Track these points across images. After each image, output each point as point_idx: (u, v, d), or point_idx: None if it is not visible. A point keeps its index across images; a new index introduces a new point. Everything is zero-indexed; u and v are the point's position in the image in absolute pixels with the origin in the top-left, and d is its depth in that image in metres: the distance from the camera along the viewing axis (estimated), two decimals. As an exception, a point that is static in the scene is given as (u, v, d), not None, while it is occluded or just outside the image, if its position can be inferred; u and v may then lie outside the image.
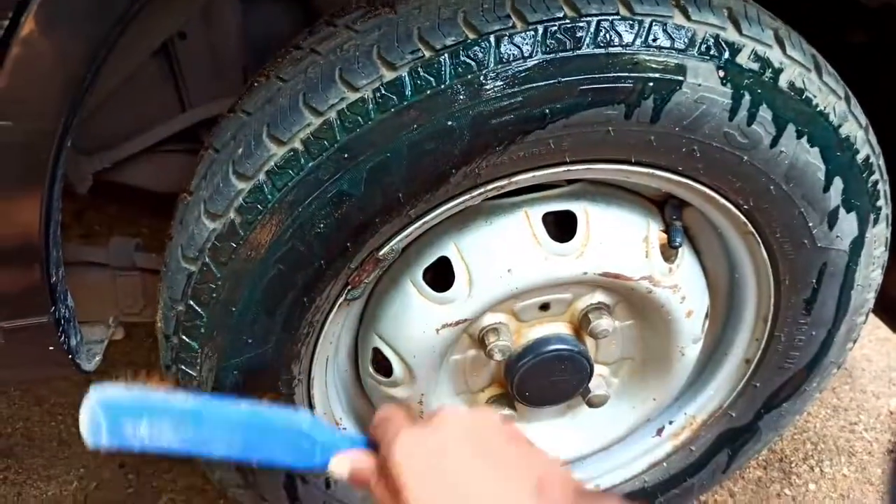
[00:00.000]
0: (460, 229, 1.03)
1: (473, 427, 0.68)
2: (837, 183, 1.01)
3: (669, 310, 1.12)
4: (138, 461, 1.64)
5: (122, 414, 0.72)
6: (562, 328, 1.14)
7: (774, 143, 0.94)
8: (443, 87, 0.83)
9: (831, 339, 1.20)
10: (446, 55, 0.83)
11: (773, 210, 1.02)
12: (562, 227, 1.05)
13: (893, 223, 1.12)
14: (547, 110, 0.86)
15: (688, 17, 0.88)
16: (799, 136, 0.95)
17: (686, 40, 0.87)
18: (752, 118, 0.92)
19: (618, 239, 1.05)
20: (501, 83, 0.83)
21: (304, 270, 0.92)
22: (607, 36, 0.84)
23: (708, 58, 0.88)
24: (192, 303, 0.94)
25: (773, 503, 1.67)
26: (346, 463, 0.72)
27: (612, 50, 0.85)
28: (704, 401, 1.32)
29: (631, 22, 0.85)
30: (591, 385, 1.19)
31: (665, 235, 1.08)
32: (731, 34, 0.89)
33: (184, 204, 0.96)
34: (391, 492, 0.65)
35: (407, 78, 0.83)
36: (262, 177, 0.87)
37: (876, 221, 1.08)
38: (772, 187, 0.99)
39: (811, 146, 0.96)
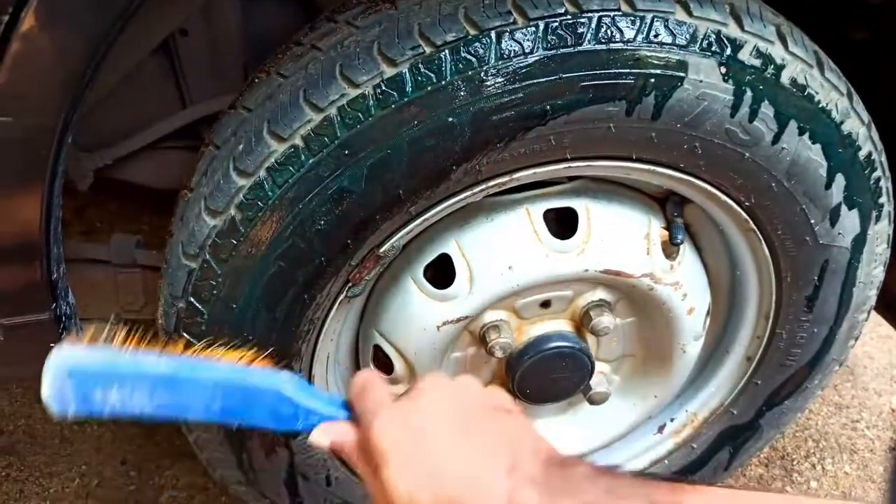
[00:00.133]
0: (461, 226, 1.03)
1: (454, 400, 0.69)
2: (839, 180, 1.00)
3: (671, 307, 1.11)
4: (140, 458, 1.64)
5: (90, 380, 0.65)
6: (563, 325, 1.14)
7: (776, 139, 0.94)
8: (443, 83, 0.83)
9: (833, 336, 1.20)
10: (447, 51, 0.83)
11: (775, 207, 1.01)
12: (563, 224, 1.05)
13: (896, 220, 1.12)
14: (548, 107, 0.86)
15: (689, 13, 0.87)
16: (801, 133, 0.95)
17: (688, 36, 0.87)
18: (753, 115, 0.91)
19: (619, 236, 1.05)
20: (502, 79, 0.83)
21: (304, 267, 0.92)
22: (608, 32, 0.84)
23: (710, 54, 0.88)
24: (192, 300, 0.94)
25: (774, 501, 1.67)
26: (326, 435, 0.72)
27: (613, 46, 0.85)
28: (706, 398, 1.32)
29: (632, 18, 0.85)
30: (592, 382, 1.19)
31: (666, 232, 1.08)
32: (732, 30, 0.89)
33: (184, 201, 0.96)
34: (371, 467, 0.66)
35: (407, 74, 0.83)
36: (262, 173, 0.87)
37: (878, 218, 1.08)
38: (773, 184, 0.98)
39: (813, 143, 0.96)
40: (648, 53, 0.86)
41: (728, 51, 0.88)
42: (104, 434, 1.69)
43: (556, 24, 0.83)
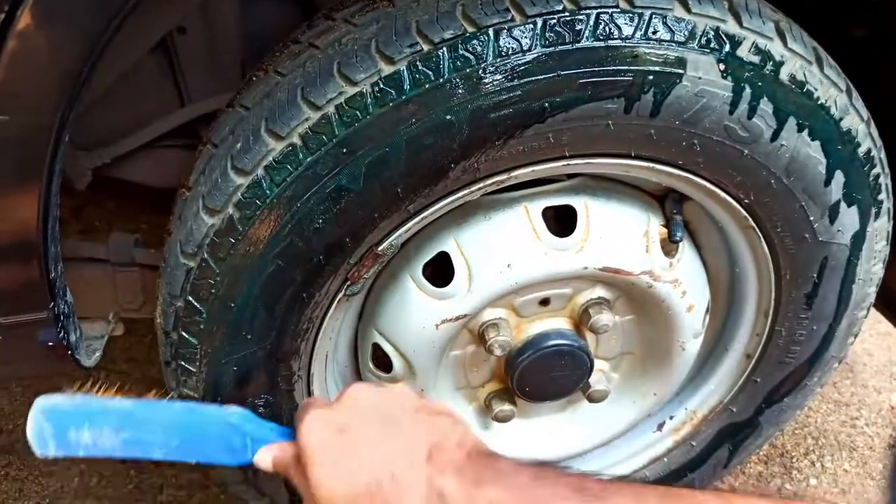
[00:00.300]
0: (460, 224, 1.03)
1: (377, 401, 0.72)
2: (839, 177, 1.00)
3: (670, 304, 1.11)
4: (139, 457, 1.64)
5: (64, 421, 0.74)
6: (562, 323, 1.14)
7: (775, 136, 0.94)
8: (441, 81, 0.83)
9: (832, 333, 1.20)
10: (445, 49, 0.82)
11: (774, 204, 1.01)
12: (562, 221, 1.04)
13: (895, 217, 1.12)
14: (546, 104, 0.85)
15: (688, 10, 0.87)
16: (800, 130, 0.95)
17: (686, 33, 0.87)
18: (752, 111, 0.91)
19: (618, 234, 1.05)
20: (500, 77, 0.83)
21: (302, 266, 0.92)
22: (607, 29, 0.84)
23: (708, 51, 0.87)
24: (191, 298, 0.94)
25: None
26: (268, 455, 0.75)
27: (611, 43, 0.84)
28: (705, 396, 1.32)
29: (630, 14, 0.85)
30: (591, 380, 1.19)
31: (665, 230, 1.08)
32: (731, 27, 0.89)
33: (182, 199, 0.96)
34: (302, 473, 0.68)
35: (405, 72, 0.82)
36: (260, 172, 0.87)
37: (877, 215, 1.08)
38: (773, 181, 0.98)
39: (812, 140, 0.96)
40: (647, 50, 0.86)
41: (727, 47, 0.88)
42: (104, 433, 1.69)
43: (555, 21, 0.83)
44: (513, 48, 0.83)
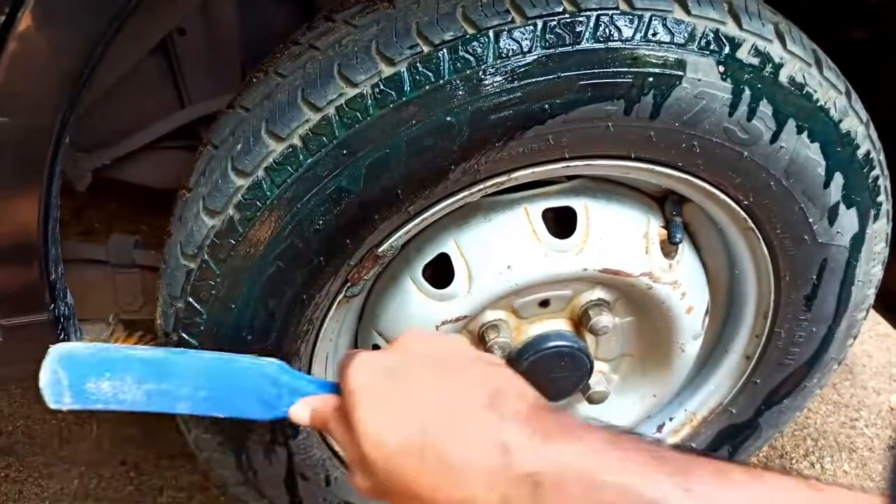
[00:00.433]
0: (460, 226, 1.03)
1: (432, 346, 0.66)
2: (838, 179, 1.00)
3: (669, 306, 1.11)
4: (139, 458, 1.64)
5: (83, 370, 0.67)
6: (562, 325, 1.14)
7: (775, 138, 0.94)
8: (441, 82, 0.83)
9: (832, 335, 1.20)
10: (445, 50, 0.83)
11: (774, 206, 1.01)
12: (561, 223, 1.05)
13: (894, 219, 1.12)
14: (546, 106, 0.85)
15: (688, 12, 0.87)
16: (799, 132, 0.95)
17: (686, 35, 0.87)
18: (752, 113, 0.91)
19: (618, 235, 1.05)
20: (500, 78, 0.83)
21: (303, 267, 0.92)
22: (607, 31, 0.84)
23: (708, 53, 0.88)
24: (191, 300, 0.94)
25: (773, 499, 1.67)
26: (306, 407, 0.68)
27: (611, 45, 0.84)
28: (705, 397, 1.32)
29: (630, 16, 0.85)
30: (591, 382, 1.19)
31: (665, 232, 1.08)
32: (731, 29, 0.89)
33: (183, 201, 0.96)
34: (346, 423, 0.61)
35: (405, 73, 0.83)
36: (260, 173, 0.87)
37: (876, 217, 1.08)
38: (772, 183, 0.98)
39: (811, 141, 0.96)
40: (647, 52, 0.86)
41: (726, 49, 0.88)
42: (103, 434, 1.69)
43: (555, 22, 0.83)
44: (513, 50, 0.83)
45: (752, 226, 1.05)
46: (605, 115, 0.88)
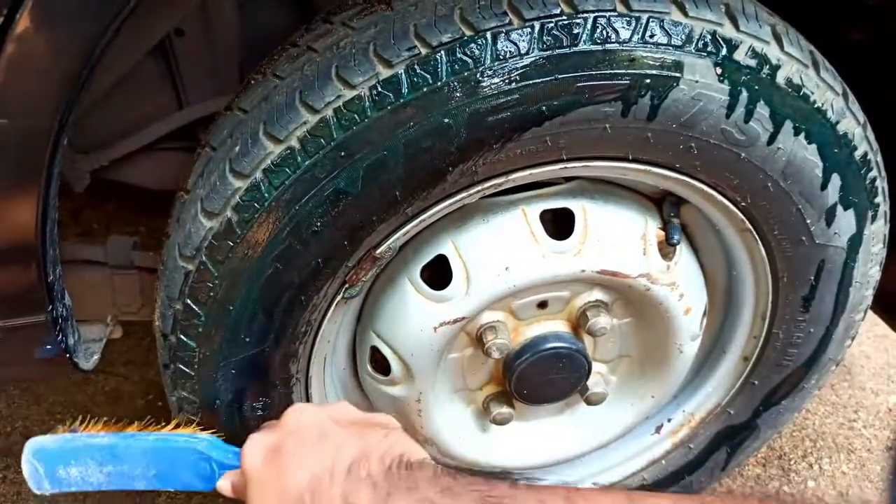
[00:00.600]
0: (458, 227, 1.03)
1: (314, 418, 0.77)
2: (835, 180, 1.01)
3: (667, 307, 1.12)
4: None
5: (53, 460, 0.80)
6: (560, 326, 1.14)
7: (772, 139, 0.94)
8: (439, 84, 0.83)
9: (829, 336, 1.20)
10: (443, 52, 0.83)
11: (771, 207, 1.01)
12: (559, 224, 1.05)
13: (892, 220, 1.12)
14: (544, 107, 0.86)
15: (685, 14, 0.88)
16: (796, 133, 0.95)
17: (683, 37, 0.87)
18: (749, 115, 0.92)
19: (615, 236, 1.05)
20: (498, 80, 0.83)
21: (301, 269, 0.92)
22: (604, 32, 0.84)
23: (705, 54, 0.88)
24: (189, 301, 0.94)
25: (772, 500, 1.67)
26: (227, 482, 0.81)
27: (608, 46, 0.85)
28: (703, 398, 1.32)
29: (628, 18, 0.85)
30: (589, 383, 1.19)
31: (663, 233, 1.08)
32: (728, 30, 0.89)
33: (181, 202, 0.96)
34: (246, 494, 0.75)
35: (403, 75, 0.83)
36: (258, 175, 0.87)
37: (874, 218, 1.08)
38: (769, 184, 0.98)
39: (809, 143, 0.96)
40: (644, 54, 0.86)
41: (724, 51, 0.88)
42: (101, 436, 1.69)
43: (552, 24, 0.83)
44: (510, 52, 0.83)
45: (750, 227, 1.05)
46: (602, 116, 0.88)
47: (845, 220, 1.05)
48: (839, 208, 1.03)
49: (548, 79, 0.84)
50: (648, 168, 0.96)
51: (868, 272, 1.14)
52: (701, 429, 1.34)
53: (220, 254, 0.90)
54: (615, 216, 1.06)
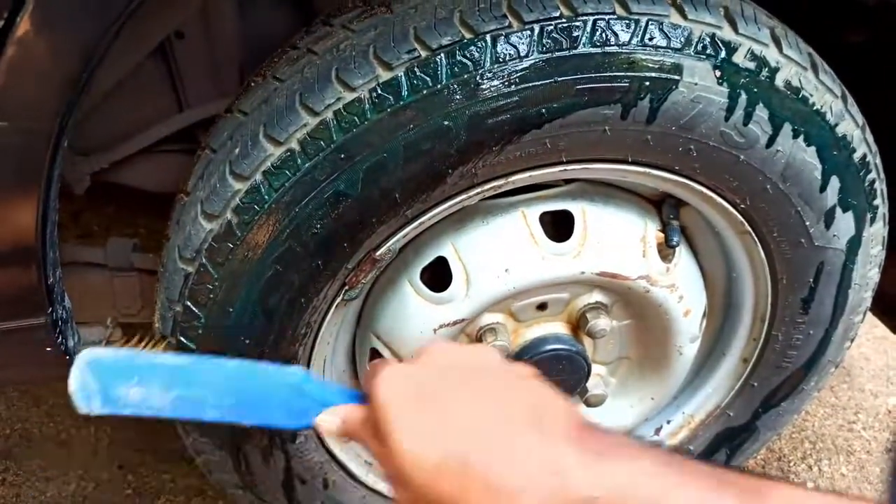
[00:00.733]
0: (457, 229, 1.03)
1: (464, 359, 0.61)
2: (834, 182, 1.01)
3: (667, 309, 1.12)
4: (137, 462, 1.64)
5: (111, 377, 0.68)
6: (559, 328, 1.14)
7: (771, 142, 0.94)
8: (439, 86, 0.83)
9: (829, 338, 1.20)
10: (442, 55, 0.83)
11: (770, 209, 1.02)
12: (559, 226, 1.05)
13: (891, 222, 1.12)
14: (543, 110, 0.86)
15: (684, 16, 0.88)
16: (795, 136, 0.95)
17: (682, 39, 0.87)
18: (748, 117, 0.92)
19: (615, 238, 1.05)
20: (498, 83, 0.83)
21: (301, 271, 0.92)
22: (603, 35, 0.84)
23: (704, 57, 0.88)
24: (189, 303, 0.94)
25: (771, 502, 1.67)
26: (334, 418, 0.65)
27: (608, 49, 0.85)
28: (702, 400, 1.33)
29: (627, 21, 0.85)
30: (588, 384, 1.19)
31: (662, 235, 1.08)
32: (727, 33, 0.89)
33: (181, 204, 0.96)
34: (379, 437, 0.58)
35: (403, 78, 0.83)
36: (258, 177, 0.87)
37: (873, 220, 1.08)
38: (768, 186, 0.99)
39: (808, 145, 0.96)
40: (643, 57, 0.86)
41: (723, 54, 0.89)
42: (101, 438, 1.69)
43: (552, 27, 0.84)
44: (510, 54, 0.83)
45: (749, 229, 1.05)
46: (602, 119, 0.88)
47: (844, 223, 1.05)
48: (838, 210, 1.03)
49: (547, 81, 0.84)
50: (648, 170, 0.96)
51: (867, 274, 1.14)
52: (700, 430, 1.34)
53: (220, 256, 0.90)
54: (615, 218, 1.06)
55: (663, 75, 0.87)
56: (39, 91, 0.75)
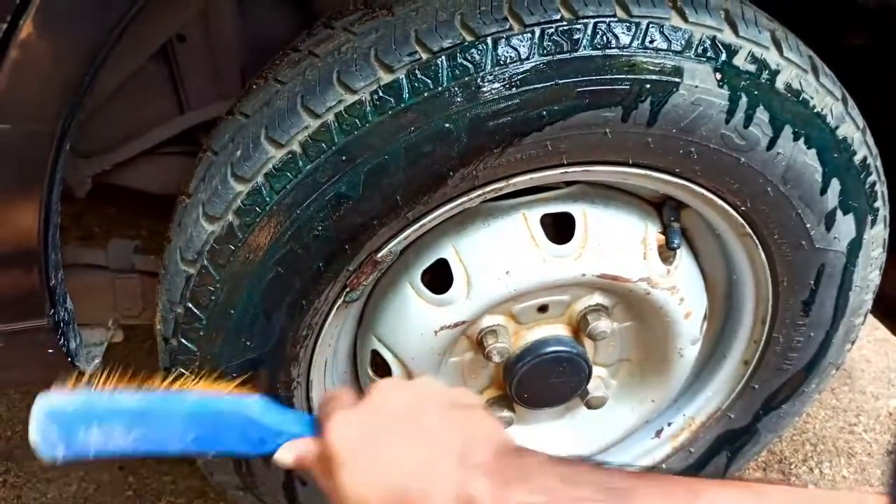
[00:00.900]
0: (458, 231, 1.03)
1: (406, 397, 0.69)
2: (835, 185, 1.01)
3: (668, 311, 1.12)
4: (138, 463, 1.64)
5: (72, 422, 0.69)
6: (560, 330, 1.14)
7: (771, 144, 0.95)
8: (440, 89, 0.83)
9: (829, 340, 1.20)
10: (443, 57, 0.83)
11: (771, 212, 1.02)
12: (560, 229, 1.05)
13: (891, 224, 1.13)
14: (544, 112, 0.86)
15: (685, 19, 0.88)
16: (796, 138, 0.95)
17: (683, 42, 0.87)
18: (749, 120, 0.92)
19: (616, 241, 1.05)
20: (499, 85, 0.84)
21: (302, 273, 0.92)
22: (604, 38, 0.85)
23: (705, 60, 0.88)
24: (190, 305, 0.94)
25: (772, 504, 1.67)
26: (289, 453, 0.72)
27: (609, 52, 0.85)
28: (703, 402, 1.32)
29: (628, 24, 0.86)
30: (589, 387, 1.19)
31: (663, 237, 1.08)
32: (727, 36, 0.89)
33: (182, 206, 0.96)
34: (328, 473, 0.66)
35: (404, 80, 0.83)
36: (260, 179, 0.87)
37: (874, 223, 1.08)
38: (769, 189, 0.99)
39: (808, 148, 0.96)
40: (644, 59, 0.86)
41: (723, 56, 0.89)
42: (102, 439, 1.69)
43: (552, 30, 0.84)
44: (511, 57, 0.83)
45: (750, 231, 1.05)
46: (602, 121, 0.88)
47: (845, 225, 1.05)
48: (839, 213, 1.04)
49: (548, 84, 0.84)
50: (648, 172, 0.96)
51: (868, 276, 1.14)
52: (701, 433, 1.34)
53: (222, 258, 0.91)
54: (615, 220, 1.06)
55: (664, 78, 0.87)
56: (42, 94, 0.76)
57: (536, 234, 1.02)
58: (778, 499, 0.57)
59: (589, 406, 1.22)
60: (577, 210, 1.04)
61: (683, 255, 1.12)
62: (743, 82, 0.90)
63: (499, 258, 1.02)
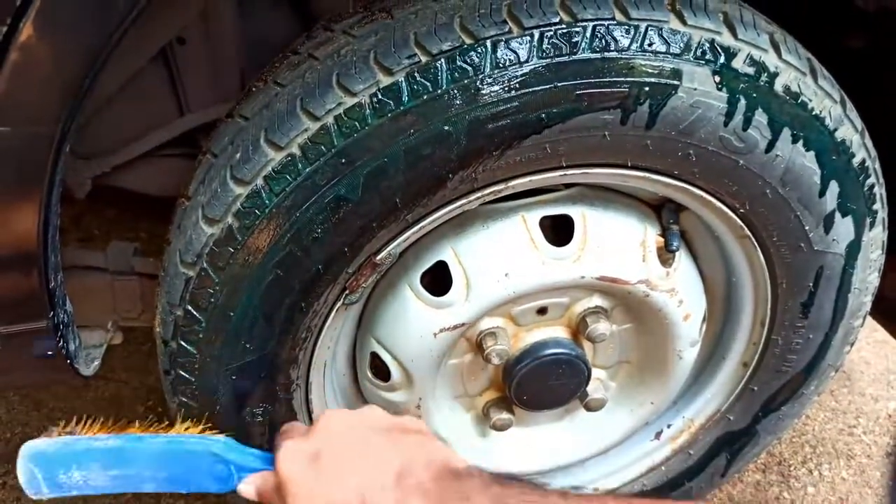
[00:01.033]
0: (458, 234, 1.03)
1: (349, 425, 0.75)
2: (833, 187, 1.01)
3: (667, 313, 1.12)
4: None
5: (53, 464, 0.76)
6: (559, 332, 1.14)
7: (770, 147, 0.95)
8: (439, 92, 0.83)
9: (829, 342, 1.20)
10: (443, 60, 0.83)
11: (770, 214, 1.02)
12: (559, 231, 1.05)
13: (890, 226, 1.13)
14: (543, 115, 0.86)
15: (683, 22, 0.88)
16: (795, 141, 0.95)
17: (682, 45, 0.87)
18: (747, 122, 0.92)
19: (615, 243, 1.05)
20: (498, 88, 0.84)
21: (301, 275, 0.92)
22: (603, 41, 0.85)
23: (703, 62, 0.88)
24: (190, 308, 0.94)
25: (771, 506, 1.67)
26: (251, 486, 0.79)
27: (607, 55, 0.85)
28: (702, 404, 1.33)
29: (627, 27, 0.86)
30: (588, 389, 1.19)
31: (662, 239, 1.08)
32: (726, 39, 0.90)
33: (182, 209, 0.96)
34: (283, 502, 0.72)
35: (404, 83, 0.83)
36: (259, 182, 0.87)
37: (872, 225, 1.08)
38: (768, 191, 0.99)
39: (807, 150, 0.97)
40: (643, 62, 0.86)
41: (722, 59, 0.89)
42: (101, 441, 1.69)
43: (551, 33, 0.84)
44: (510, 60, 0.83)
45: (749, 234, 1.05)
46: (601, 124, 0.88)
47: (844, 227, 1.05)
48: (837, 215, 1.04)
49: (547, 87, 0.85)
50: (647, 175, 0.96)
51: (867, 278, 1.15)
52: (700, 435, 1.35)
53: (221, 260, 0.91)
54: (614, 223, 1.06)
55: (663, 80, 0.87)
56: (42, 96, 0.76)
57: (535, 236, 1.03)
58: None
59: (588, 408, 1.22)
60: (576, 212, 1.04)
61: (682, 258, 1.13)
62: (742, 85, 0.90)
63: (498, 260, 1.02)
